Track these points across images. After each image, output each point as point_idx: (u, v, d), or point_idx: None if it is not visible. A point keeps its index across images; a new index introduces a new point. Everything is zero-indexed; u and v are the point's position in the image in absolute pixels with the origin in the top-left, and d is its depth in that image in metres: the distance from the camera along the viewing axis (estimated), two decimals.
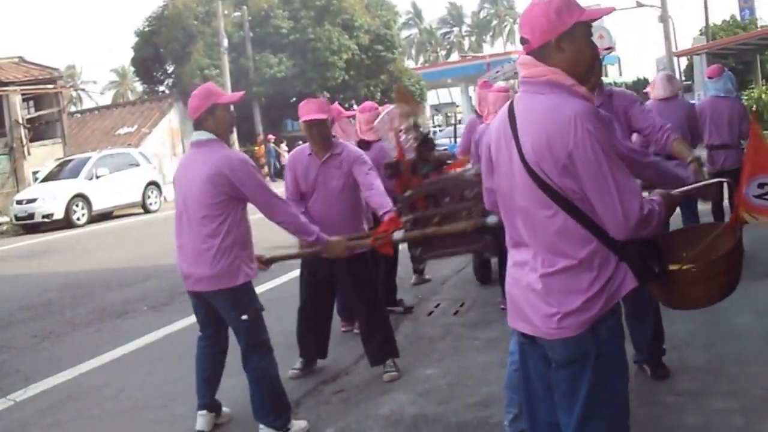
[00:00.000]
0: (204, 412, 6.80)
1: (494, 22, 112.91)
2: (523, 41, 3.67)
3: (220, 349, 6.82)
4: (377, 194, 7.43)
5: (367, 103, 10.50)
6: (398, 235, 6.85)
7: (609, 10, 3.92)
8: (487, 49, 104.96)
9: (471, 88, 62.74)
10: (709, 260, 4.05)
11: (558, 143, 3.43)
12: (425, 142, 7.55)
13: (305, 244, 7.11)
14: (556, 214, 3.53)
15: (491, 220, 6.31)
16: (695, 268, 3.97)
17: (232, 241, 6.17)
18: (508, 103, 3.80)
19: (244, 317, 6.35)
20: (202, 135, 6.26)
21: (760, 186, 3.99)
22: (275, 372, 6.58)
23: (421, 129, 7.13)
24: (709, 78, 11.29)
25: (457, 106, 39.43)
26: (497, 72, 21.18)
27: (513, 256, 3.85)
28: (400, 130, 6.95)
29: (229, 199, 6.15)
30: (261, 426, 6.47)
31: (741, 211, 4.07)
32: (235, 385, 7.14)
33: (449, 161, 9.09)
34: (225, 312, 6.42)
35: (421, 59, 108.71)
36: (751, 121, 5.56)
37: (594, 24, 3.68)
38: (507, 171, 3.72)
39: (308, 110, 7.42)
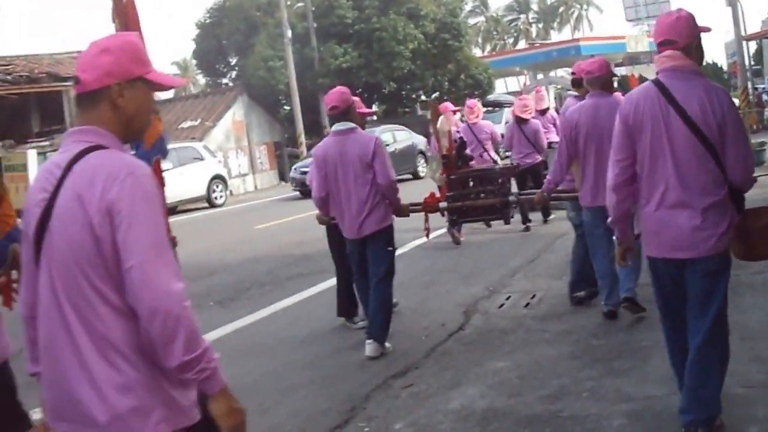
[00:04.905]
0: (371, 341, 8.47)
1: (561, 9, 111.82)
2: (667, 42, 5.16)
3: None
4: None
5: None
6: (443, 204, 10.28)
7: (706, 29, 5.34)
8: (554, 36, 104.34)
9: (540, 76, 62.21)
10: None
11: (717, 109, 5.02)
12: (460, 146, 12.42)
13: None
14: (709, 163, 5.06)
15: (512, 198, 10.14)
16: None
17: (381, 196, 8.48)
18: (650, 88, 5.22)
19: (390, 248, 8.67)
20: (347, 125, 8.48)
21: None
22: (392, 297, 8.80)
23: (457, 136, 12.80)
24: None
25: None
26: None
27: (658, 201, 5.23)
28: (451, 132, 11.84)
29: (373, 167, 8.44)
30: (369, 341, 8.43)
31: None
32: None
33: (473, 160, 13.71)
34: (378, 246, 8.56)
35: (488, 47, 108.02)
36: None
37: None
38: (660, 136, 5.13)
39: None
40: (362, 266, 8.79)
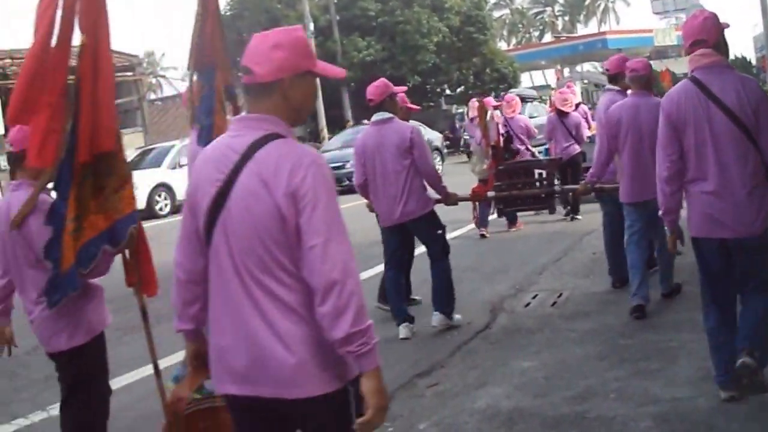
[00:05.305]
0: (406, 324, 8.93)
1: (588, 1, 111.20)
2: (698, 42, 5.74)
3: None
4: None
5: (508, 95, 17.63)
6: (491, 193, 10.80)
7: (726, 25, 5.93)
8: (581, 30, 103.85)
9: (566, 71, 61.88)
10: None
11: (752, 99, 5.60)
12: (507, 139, 13.92)
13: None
14: (749, 148, 5.60)
15: (558, 188, 11.03)
16: None
17: (420, 182, 8.79)
18: (688, 84, 5.78)
19: (439, 231, 9.05)
20: (384, 115, 8.79)
21: None
22: (451, 272, 9.07)
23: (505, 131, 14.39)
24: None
25: (553, 88, 38.09)
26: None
27: (703, 186, 5.74)
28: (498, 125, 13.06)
29: (411, 155, 8.70)
30: (435, 312, 8.95)
31: None
32: None
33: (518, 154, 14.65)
34: (425, 231, 9.00)
35: (513, 41, 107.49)
36: None
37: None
38: (702, 126, 5.65)
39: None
40: (395, 257, 9.14)
